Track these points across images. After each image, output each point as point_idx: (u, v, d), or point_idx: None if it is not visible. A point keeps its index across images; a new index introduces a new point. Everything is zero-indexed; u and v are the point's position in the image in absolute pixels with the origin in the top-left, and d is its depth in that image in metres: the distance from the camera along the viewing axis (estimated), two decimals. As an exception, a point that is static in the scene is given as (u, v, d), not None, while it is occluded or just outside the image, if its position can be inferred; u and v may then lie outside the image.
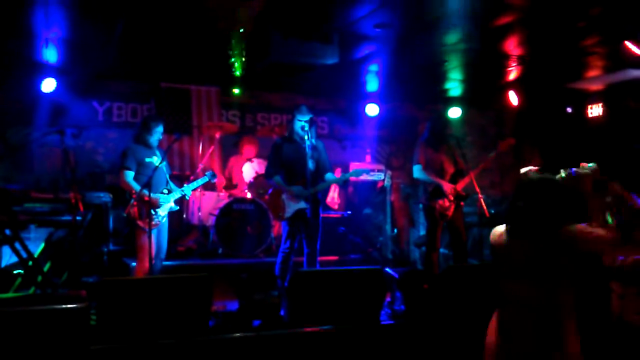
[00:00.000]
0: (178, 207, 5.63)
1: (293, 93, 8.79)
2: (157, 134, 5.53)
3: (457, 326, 4.34)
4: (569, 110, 8.88)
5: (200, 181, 5.86)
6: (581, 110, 8.76)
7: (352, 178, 5.86)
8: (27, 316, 3.32)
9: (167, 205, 5.45)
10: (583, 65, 7.31)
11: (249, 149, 7.81)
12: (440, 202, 5.97)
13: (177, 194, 5.53)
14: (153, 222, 5.20)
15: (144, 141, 5.50)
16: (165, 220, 5.48)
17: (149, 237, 5.15)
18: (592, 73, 7.66)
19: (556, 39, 6.20)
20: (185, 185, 5.69)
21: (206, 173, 5.95)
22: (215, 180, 6.03)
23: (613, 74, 7.63)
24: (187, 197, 5.64)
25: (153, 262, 5.18)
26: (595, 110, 8.63)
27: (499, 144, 6.25)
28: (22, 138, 7.54)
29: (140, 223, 5.29)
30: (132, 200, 5.29)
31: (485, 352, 2.92)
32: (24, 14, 5.35)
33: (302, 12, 5.53)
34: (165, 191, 5.46)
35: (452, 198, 5.96)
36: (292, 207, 5.42)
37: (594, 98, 8.61)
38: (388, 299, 5.04)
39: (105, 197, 6.51)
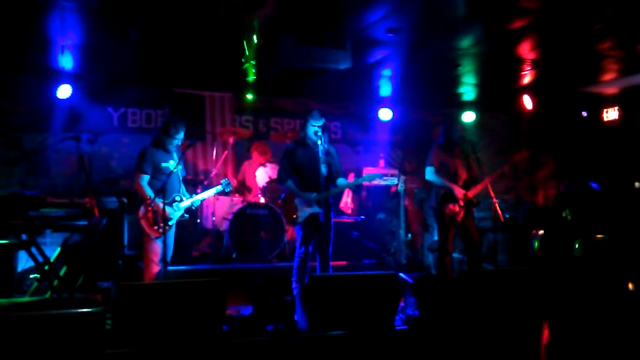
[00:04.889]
0: (188, 216, 5.65)
1: (306, 98, 8.81)
2: (177, 139, 5.55)
3: (471, 331, 4.31)
4: (584, 114, 8.81)
5: (215, 190, 5.87)
6: (596, 114, 8.69)
7: (366, 183, 5.85)
8: (43, 320, 3.35)
9: (178, 214, 5.48)
10: (598, 69, 7.25)
11: (260, 154, 7.82)
12: (451, 206, 5.95)
13: (187, 203, 5.55)
14: (161, 231, 5.23)
15: (163, 145, 5.52)
16: (173, 226, 5.51)
17: (163, 243, 5.19)
18: (608, 76, 7.60)
19: (571, 43, 6.16)
20: (195, 194, 5.70)
21: (221, 181, 5.95)
22: (229, 189, 6.05)
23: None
24: (193, 208, 5.66)
25: (162, 266, 5.25)
26: (610, 114, 8.56)
27: (513, 156, 6.21)
28: (39, 144, 7.62)
29: (149, 230, 5.32)
30: (143, 207, 5.34)
31: None
32: (40, 21, 5.42)
33: (314, 17, 5.54)
34: (178, 198, 5.49)
35: (462, 203, 5.94)
36: (305, 211, 5.42)
37: (609, 102, 8.54)
38: (402, 303, 5.02)
39: (120, 202, 6.55)
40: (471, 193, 5.98)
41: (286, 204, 5.56)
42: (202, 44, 6.20)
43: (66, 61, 6.66)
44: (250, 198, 7.47)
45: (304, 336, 4.14)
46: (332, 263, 5.51)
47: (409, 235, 8.14)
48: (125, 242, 6.61)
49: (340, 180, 5.60)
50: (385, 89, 8.37)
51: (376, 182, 7.50)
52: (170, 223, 5.41)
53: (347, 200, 8.35)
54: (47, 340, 3.31)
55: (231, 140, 7.74)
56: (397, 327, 4.53)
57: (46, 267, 5.43)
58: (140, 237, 5.54)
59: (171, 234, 5.53)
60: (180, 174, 5.59)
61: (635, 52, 6.35)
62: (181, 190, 5.59)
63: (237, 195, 7.61)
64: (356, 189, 8.19)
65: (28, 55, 6.52)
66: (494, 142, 9.91)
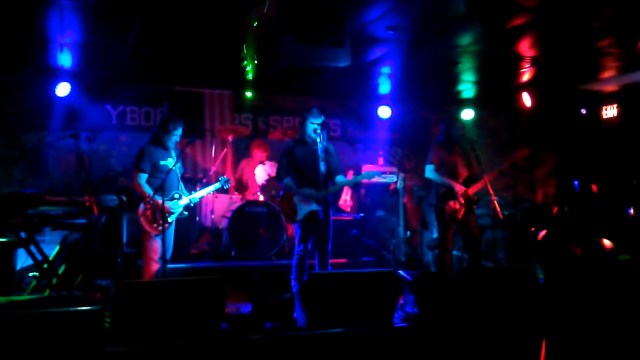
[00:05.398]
0: (187, 213, 5.65)
1: (305, 96, 8.81)
2: (176, 136, 5.53)
3: (471, 329, 4.31)
4: (583, 111, 8.81)
5: (213, 187, 5.86)
6: (596, 111, 8.69)
7: (365, 180, 5.85)
8: (42, 318, 3.34)
9: (177, 212, 5.48)
10: (597, 66, 7.25)
11: (259, 151, 7.82)
12: (451, 204, 5.95)
13: (186, 200, 5.54)
14: (161, 228, 5.23)
15: (161, 142, 5.50)
16: (172, 224, 5.51)
17: (162, 240, 5.18)
18: (607, 74, 7.60)
19: (570, 40, 6.15)
20: (194, 191, 5.69)
21: (219, 179, 5.94)
22: (228, 186, 6.04)
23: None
24: (191, 205, 5.65)
25: (161, 264, 5.25)
26: (609, 112, 8.56)
27: (512, 155, 6.20)
28: (37, 142, 7.61)
29: (148, 228, 5.32)
30: (143, 205, 5.33)
31: None
32: (39, 19, 5.41)
33: (313, 15, 5.53)
34: (177, 195, 5.48)
35: (462, 200, 5.94)
36: (303, 209, 5.42)
37: (608, 99, 8.54)
38: (401, 301, 5.02)
39: (119, 199, 6.55)
40: (471, 190, 5.98)
41: (285, 202, 5.55)
42: (201, 41, 6.19)
43: (65, 59, 6.65)
44: (249, 196, 7.47)
45: (303, 334, 4.14)
46: (331, 261, 5.52)
47: (408, 232, 8.15)
48: (125, 240, 6.61)
49: (339, 178, 5.59)
50: (385, 86, 8.36)
51: (375, 179, 7.50)
52: (169, 220, 5.41)
53: (346, 198, 8.35)
54: (46, 338, 3.31)
55: (230, 138, 7.74)
56: (396, 325, 4.52)
57: (45, 265, 5.42)
58: (140, 234, 5.54)
59: (170, 231, 5.53)
60: (178, 171, 5.58)
61: (634, 49, 6.34)
62: (180, 187, 5.59)
63: (236, 193, 7.61)
64: (355, 187, 8.19)
65: (27, 54, 6.51)
66: (493, 140, 9.91)
